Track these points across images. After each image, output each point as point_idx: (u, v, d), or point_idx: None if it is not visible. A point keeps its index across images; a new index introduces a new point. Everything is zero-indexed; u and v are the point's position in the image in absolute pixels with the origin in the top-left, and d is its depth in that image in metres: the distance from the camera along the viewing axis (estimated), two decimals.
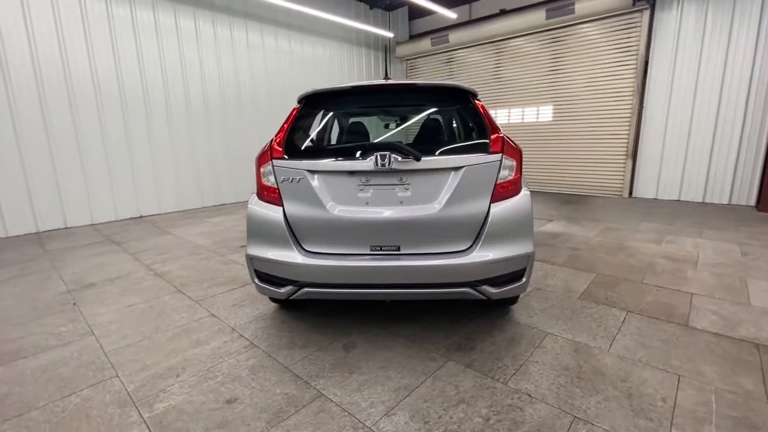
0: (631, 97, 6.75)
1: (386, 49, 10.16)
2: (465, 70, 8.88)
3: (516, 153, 2.16)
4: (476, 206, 2.05)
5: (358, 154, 2.06)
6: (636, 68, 6.61)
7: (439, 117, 2.60)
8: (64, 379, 2.00)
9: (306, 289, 2.10)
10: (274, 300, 2.67)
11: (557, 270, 3.41)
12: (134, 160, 6.13)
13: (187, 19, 6.52)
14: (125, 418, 1.71)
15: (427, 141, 2.48)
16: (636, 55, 6.57)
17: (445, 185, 2.06)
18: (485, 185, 2.07)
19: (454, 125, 2.80)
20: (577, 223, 5.19)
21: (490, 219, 2.04)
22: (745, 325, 2.39)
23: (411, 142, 2.48)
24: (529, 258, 2.11)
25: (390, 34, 9.30)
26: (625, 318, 2.51)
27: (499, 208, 2.06)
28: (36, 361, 2.17)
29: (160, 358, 2.17)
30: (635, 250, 3.93)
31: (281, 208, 2.13)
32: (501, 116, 8.46)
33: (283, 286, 2.13)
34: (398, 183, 2.07)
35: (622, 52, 6.72)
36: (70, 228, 5.53)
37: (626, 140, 6.93)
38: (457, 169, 2.05)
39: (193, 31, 6.61)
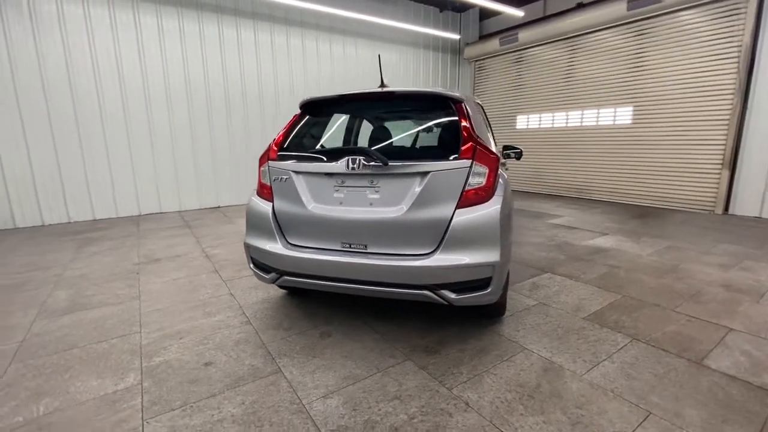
0: (731, 97, 5.71)
1: (458, 50, 10.07)
2: (534, 69, 8.39)
3: (489, 160, 2.12)
4: (441, 211, 2.07)
5: (334, 158, 2.24)
6: (738, 62, 5.57)
7: (418, 122, 2.62)
8: (105, 329, 2.55)
9: (286, 277, 2.34)
10: (281, 287, 2.97)
11: (578, 287, 3.15)
12: (216, 156, 7.14)
13: (264, 34, 7.34)
14: (129, 363, 2.14)
15: (403, 145, 2.52)
16: (739, 46, 5.55)
17: (410, 189, 2.12)
18: (452, 191, 2.08)
19: (432, 131, 2.80)
20: (635, 238, 4.62)
21: (452, 225, 2.04)
22: None
23: (390, 145, 2.54)
24: (493, 267, 2.05)
25: (457, 36, 9.21)
26: (625, 345, 2.26)
27: (464, 215, 2.05)
28: (94, 313, 2.79)
29: (175, 323, 2.62)
30: (689, 274, 3.40)
31: (272, 204, 2.41)
32: (573, 119, 7.81)
33: (269, 272, 2.40)
34: (369, 185, 2.19)
35: (722, 43, 5.72)
36: (164, 213, 6.68)
37: (722, 147, 5.88)
38: (423, 174, 2.10)
39: (283, 45, 7.42)
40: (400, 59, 9.22)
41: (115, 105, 6.15)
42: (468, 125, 2.17)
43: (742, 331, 2.41)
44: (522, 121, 8.88)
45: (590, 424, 1.64)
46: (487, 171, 2.10)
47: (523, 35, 8.19)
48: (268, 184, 2.44)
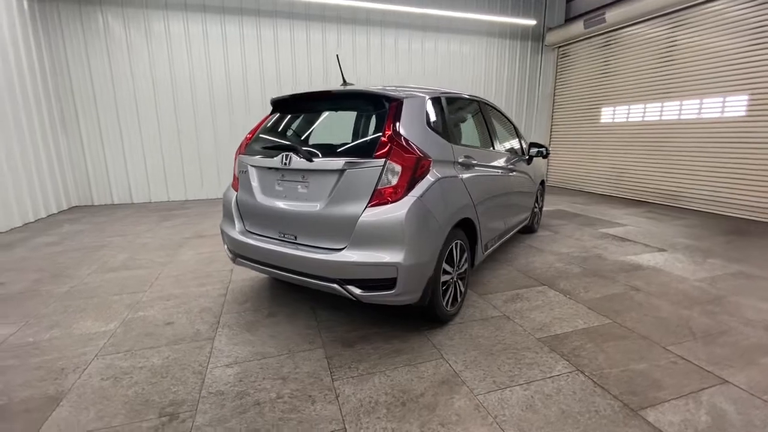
0: None
1: (540, 36, 9.22)
2: (624, 53, 7.22)
3: (405, 159, 2.06)
4: (353, 208, 2.10)
5: (276, 154, 2.42)
6: None
7: (351, 120, 2.57)
8: (125, 286, 3.21)
9: (239, 259, 2.64)
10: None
11: (565, 305, 2.78)
12: None
13: (346, 34, 7.84)
14: (120, 314, 2.69)
15: (333, 143, 2.51)
16: None
17: (329, 186, 2.19)
18: (365, 189, 2.09)
19: (361, 130, 2.69)
20: (699, 259, 3.76)
21: (359, 222, 2.06)
22: None
23: (324, 142, 2.56)
24: (397, 268, 2.01)
25: (532, 22, 8.43)
26: (559, 375, 1.98)
27: (371, 213, 2.05)
28: (128, 273, 3.52)
29: (173, 288, 3.15)
30: (732, 309, 2.70)
31: (236, 193, 2.72)
32: (669, 111, 6.53)
33: (231, 254, 2.73)
34: (301, 180, 2.32)
35: None
36: None
37: None
38: (341, 171, 2.15)
39: (362, 44, 7.91)
40: (471, 51, 8.85)
41: (205, 107, 7.33)
42: (391, 124, 2.14)
43: (740, 387, 1.88)
44: (607, 114, 7.74)
45: None
46: (400, 170, 2.05)
47: (611, 15, 7.09)
48: (236, 175, 2.76)
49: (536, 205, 4.69)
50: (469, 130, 3.08)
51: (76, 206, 6.90)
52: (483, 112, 3.27)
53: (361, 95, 2.35)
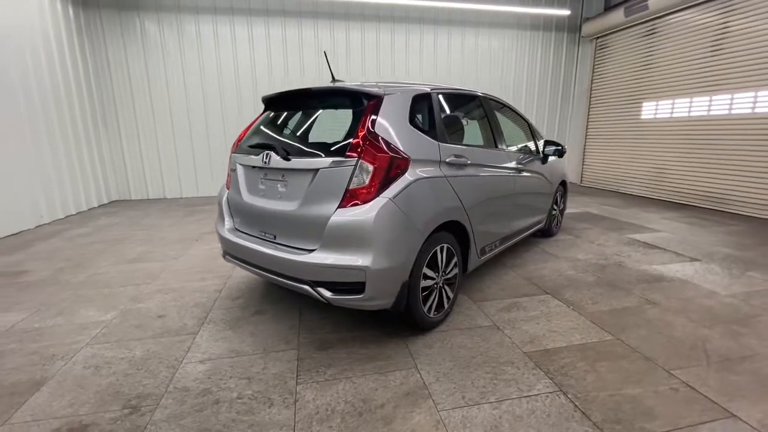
0: None
1: (577, 27, 8.67)
2: (668, 43, 6.60)
3: (378, 159, 1.97)
4: (325, 209, 2.05)
5: (258, 152, 2.42)
6: None
7: (334, 118, 2.46)
8: (132, 278, 3.37)
9: (227, 257, 2.67)
10: None
11: (566, 317, 2.57)
12: None
13: (370, 32, 7.82)
14: (120, 305, 2.82)
15: (314, 140, 2.45)
16: None
17: (305, 185, 2.15)
18: (337, 189, 2.03)
19: (339, 128, 2.56)
20: (736, 271, 3.35)
21: (329, 223, 2.00)
22: None
23: (304, 141, 2.51)
24: (365, 272, 1.93)
25: (566, 12, 7.93)
26: (538, 395, 1.82)
27: (341, 214, 1.98)
28: (140, 265, 3.69)
29: (175, 282, 3.27)
30: (762, 330, 2.36)
31: (227, 192, 2.76)
32: (718, 105, 5.89)
33: (222, 251, 2.78)
34: (281, 179, 2.30)
35: None
36: None
37: None
38: (315, 170, 2.10)
39: (386, 42, 7.88)
40: (500, 45, 8.49)
41: (232, 106, 7.59)
42: (366, 122, 2.06)
43: (749, 423, 1.63)
44: (648, 110, 7.13)
45: None
46: (372, 170, 1.97)
47: (655, 1, 6.50)
48: (229, 173, 2.79)
49: (555, 207, 4.40)
50: (466, 127, 2.92)
51: (115, 200, 7.41)
52: (486, 108, 3.09)
53: (341, 92, 2.28)
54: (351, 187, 2.00)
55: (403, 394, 1.84)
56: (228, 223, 2.68)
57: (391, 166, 2.01)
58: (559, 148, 3.81)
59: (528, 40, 8.62)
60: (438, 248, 2.33)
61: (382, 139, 2.04)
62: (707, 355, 2.13)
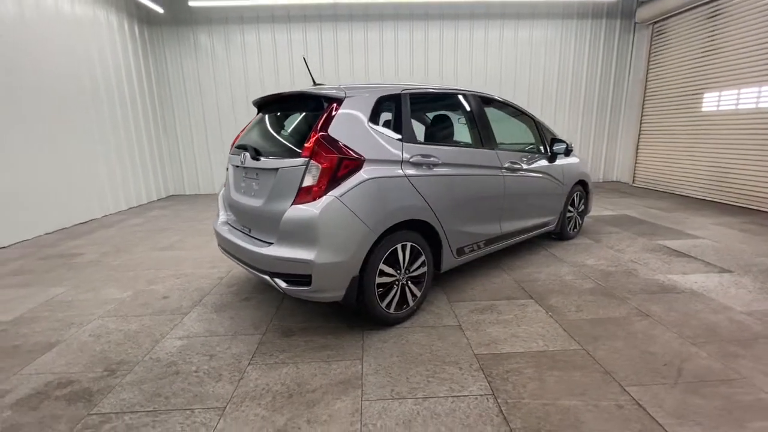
0: None
1: (631, 12, 7.93)
2: (736, 24, 5.79)
3: (326, 159, 2.08)
4: (282, 205, 2.20)
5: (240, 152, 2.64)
6: None
7: (301, 121, 2.53)
8: (158, 263, 3.84)
9: (220, 247, 2.95)
10: None
11: (540, 323, 2.47)
12: None
13: (403, 31, 7.92)
14: (137, 285, 3.25)
15: (280, 142, 2.57)
16: None
17: (270, 183, 2.32)
18: (292, 187, 2.17)
19: (301, 129, 2.59)
20: (764, 285, 2.93)
21: (282, 219, 2.15)
22: None
23: (276, 142, 2.62)
24: (311, 266, 2.05)
25: None
26: (467, 398, 1.81)
27: (292, 211, 2.12)
28: (168, 253, 4.18)
29: (189, 268, 3.66)
30: (764, 354, 2.07)
31: (224, 188, 3.04)
32: None
33: (217, 242, 3.07)
34: (255, 177, 2.51)
35: None
36: None
37: None
38: (276, 170, 2.26)
39: (419, 40, 7.98)
40: (543, 37, 8.05)
41: None
42: (320, 124, 2.17)
43: None
44: (710, 101, 6.32)
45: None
46: (320, 169, 2.08)
47: None
48: (226, 171, 3.08)
49: (571, 208, 4.14)
50: (442, 127, 2.89)
51: (172, 195, 8.32)
52: (472, 107, 3.02)
53: (307, 96, 2.42)
54: (303, 185, 2.13)
55: (338, 382, 1.94)
56: (222, 217, 2.96)
57: (340, 166, 2.10)
58: (564, 146, 3.59)
59: (574, 30, 8.06)
60: (399, 246, 2.37)
61: (334, 140, 2.14)
62: (680, 374, 1.93)
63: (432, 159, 2.55)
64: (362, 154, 2.20)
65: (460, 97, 3.03)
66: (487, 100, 3.25)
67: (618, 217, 5.38)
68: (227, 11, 7.62)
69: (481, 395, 1.81)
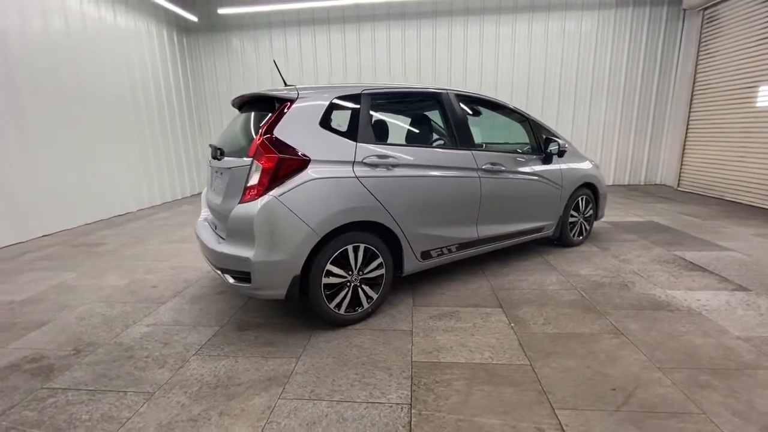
0: None
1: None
2: None
3: (267, 159, 2.13)
4: (232, 203, 2.28)
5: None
6: None
7: (254, 121, 2.51)
8: (163, 255, 4.13)
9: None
10: None
11: (495, 334, 2.33)
12: None
13: (443, 29, 7.85)
14: (137, 275, 3.53)
15: (239, 142, 2.58)
16: None
17: (226, 182, 2.41)
18: (240, 186, 2.24)
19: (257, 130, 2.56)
20: None
21: (229, 217, 2.22)
22: None
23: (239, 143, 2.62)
24: (249, 263, 2.10)
25: None
26: (382, 405, 1.76)
27: (237, 210, 2.19)
28: (178, 245, 4.48)
29: (187, 261, 3.90)
30: (740, 386, 1.80)
31: (207, 187, 3.21)
32: None
33: None
34: (220, 176, 2.61)
35: None
36: None
37: None
38: (229, 169, 2.35)
39: (458, 36, 7.89)
40: (578, 29, 7.54)
41: None
42: (267, 125, 2.22)
43: None
44: (766, 96, 5.55)
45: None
46: (262, 169, 2.13)
47: None
48: None
49: (575, 213, 3.86)
50: (408, 127, 2.82)
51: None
52: (446, 106, 2.91)
53: (264, 98, 2.47)
54: (248, 184, 2.20)
55: (266, 378, 1.98)
56: (202, 214, 3.13)
57: (280, 166, 2.14)
58: (556, 146, 3.34)
59: (612, 20, 7.46)
60: (350, 247, 2.36)
61: (278, 140, 2.18)
62: (626, 401, 1.74)
63: (391, 160, 2.51)
64: (308, 155, 2.22)
65: (432, 96, 2.94)
66: (468, 99, 3.12)
67: (643, 223, 4.91)
68: (255, 17, 7.99)
69: (397, 404, 1.76)
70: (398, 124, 3.23)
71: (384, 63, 8.01)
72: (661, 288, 2.93)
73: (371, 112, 2.58)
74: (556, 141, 3.36)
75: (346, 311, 2.43)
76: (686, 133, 7.23)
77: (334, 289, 2.36)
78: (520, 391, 1.83)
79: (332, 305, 2.37)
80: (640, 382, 1.86)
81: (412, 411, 1.71)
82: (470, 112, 3.64)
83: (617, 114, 7.87)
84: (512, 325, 2.45)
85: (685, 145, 7.28)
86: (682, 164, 7.36)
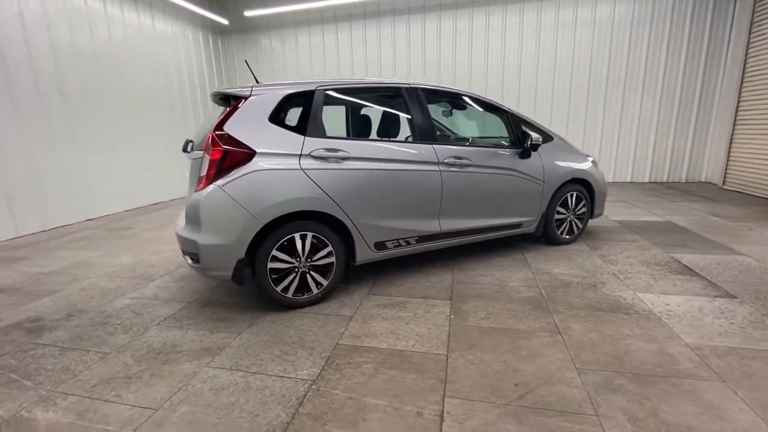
0: None
1: None
2: None
3: (214, 152, 2.33)
4: (191, 192, 2.53)
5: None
6: None
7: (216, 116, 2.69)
8: (167, 243, 4.58)
9: None
10: None
11: (429, 324, 2.38)
12: None
13: (463, 21, 7.79)
14: (144, 255, 3.97)
15: (203, 135, 2.72)
16: None
17: (192, 173, 2.67)
18: (196, 176, 2.48)
19: None
20: (765, 321, 2.28)
21: (187, 204, 2.47)
22: None
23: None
24: (197, 246, 2.34)
25: None
26: (288, 379, 1.91)
27: (192, 197, 2.43)
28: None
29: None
30: (654, 394, 1.71)
31: None
32: None
33: None
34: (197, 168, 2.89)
35: None
36: None
37: None
38: (194, 160, 2.60)
39: (479, 27, 7.82)
40: (618, 14, 7.03)
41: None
42: (220, 120, 2.42)
43: None
44: None
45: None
46: (209, 161, 2.34)
47: None
48: None
49: (564, 210, 3.70)
50: (360, 122, 2.89)
51: None
52: (406, 100, 2.95)
53: (226, 94, 2.68)
54: (200, 174, 2.43)
55: (202, 348, 2.21)
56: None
57: (225, 158, 2.34)
58: (530, 140, 3.22)
59: (650, 4, 6.84)
60: (298, 235, 2.52)
61: (225, 134, 2.38)
62: (522, 397, 1.73)
63: (341, 153, 2.62)
64: (253, 148, 2.40)
65: (392, 90, 2.99)
66: (433, 93, 3.13)
67: (656, 223, 4.55)
68: (281, 16, 8.37)
69: (302, 380, 1.90)
70: (355, 118, 3.33)
71: (403, 58, 8.03)
72: (632, 291, 2.76)
73: (327, 107, 2.71)
74: (530, 135, 3.25)
75: (294, 295, 2.60)
76: (734, 126, 6.49)
77: (280, 274, 2.54)
78: (423, 378, 1.88)
79: (279, 288, 2.54)
80: (548, 381, 1.83)
81: (312, 387, 1.84)
82: (449, 106, 3.64)
83: (655, 105, 7.23)
84: (451, 317, 2.47)
85: (732, 139, 6.53)
86: (728, 160, 6.62)
